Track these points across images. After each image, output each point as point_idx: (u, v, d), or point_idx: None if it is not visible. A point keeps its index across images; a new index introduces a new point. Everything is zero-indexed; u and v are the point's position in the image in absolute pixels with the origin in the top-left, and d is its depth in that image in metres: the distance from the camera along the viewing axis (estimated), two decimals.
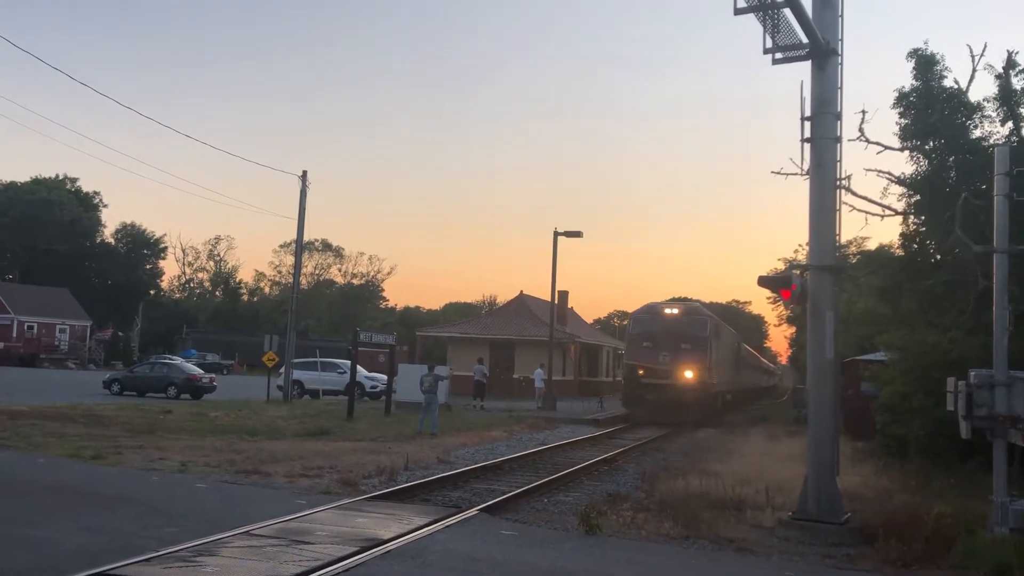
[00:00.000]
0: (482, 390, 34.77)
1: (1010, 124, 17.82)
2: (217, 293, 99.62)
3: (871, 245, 30.62)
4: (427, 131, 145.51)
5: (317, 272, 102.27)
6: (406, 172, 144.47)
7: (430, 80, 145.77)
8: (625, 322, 63.58)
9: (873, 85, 41.83)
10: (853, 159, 61.02)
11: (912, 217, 19.34)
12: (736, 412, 38.39)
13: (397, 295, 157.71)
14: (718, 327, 33.51)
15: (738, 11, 10.02)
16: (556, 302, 38.47)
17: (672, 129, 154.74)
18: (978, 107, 18.04)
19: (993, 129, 18.06)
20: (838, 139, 11.19)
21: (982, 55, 17.37)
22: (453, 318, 73.92)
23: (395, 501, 11.59)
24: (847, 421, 20.97)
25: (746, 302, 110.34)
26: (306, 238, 37.15)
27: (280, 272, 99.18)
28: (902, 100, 18.46)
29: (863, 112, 17.90)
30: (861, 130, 17.96)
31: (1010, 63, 17.70)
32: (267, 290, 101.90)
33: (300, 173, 34.67)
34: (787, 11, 10.14)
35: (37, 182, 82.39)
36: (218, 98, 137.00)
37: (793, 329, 62.38)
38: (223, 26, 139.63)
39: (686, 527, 10.67)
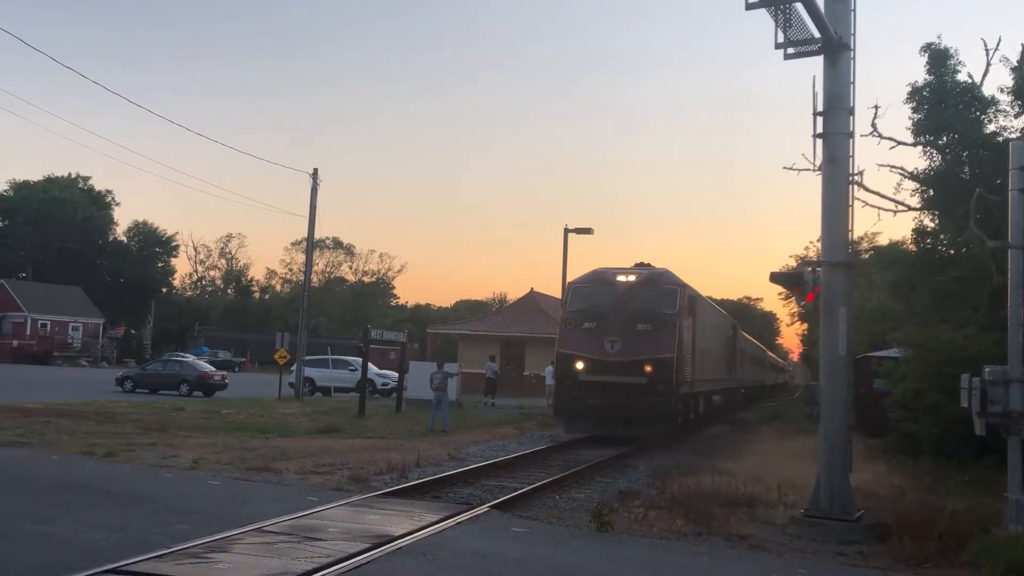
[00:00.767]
0: (493, 387, 34.77)
1: None
2: (229, 291, 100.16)
3: (883, 241, 30.55)
4: (438, 128, 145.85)
5: (328, 270, 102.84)
6: (417, 170, 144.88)
7: (441, 77, 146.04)
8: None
9: (886, 80, 41.56)
10: (865, 154, 60.87)
11: (925, 213, 19.22)
12: (730, 418, 32.86)
13: (408, 293, 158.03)
14: (694, 302, 23.14)
15: (750, 6, 10.01)
16: None
17: (683, 125, 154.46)
18: (992, 101, 17.90)
19: (1008, 123, 17.94)
20: (850, 134, 11.11)
21: (996, 48, 17.25)
22: (464, 315, 74.09)
23: (406, 498, 11.57)
24: (859, 418, 20.87)
25: (758, 299, 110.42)
26: (317, 236, 37.26)
27: (291, 270, 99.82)
28: (915, 95, 18.33)
29: (876, 107, 17.87)
30: (874, 125, 17.90)
31: None
32: (279, 288, 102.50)
33: (311, 171, 34.94)
34: (799, 5, 10.10)
35: (50, 181, 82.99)
36: (229, 96, 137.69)
37: (805, 326, 62.26)
38: (234, 25, 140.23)
39: (698, 524, 10.62)
